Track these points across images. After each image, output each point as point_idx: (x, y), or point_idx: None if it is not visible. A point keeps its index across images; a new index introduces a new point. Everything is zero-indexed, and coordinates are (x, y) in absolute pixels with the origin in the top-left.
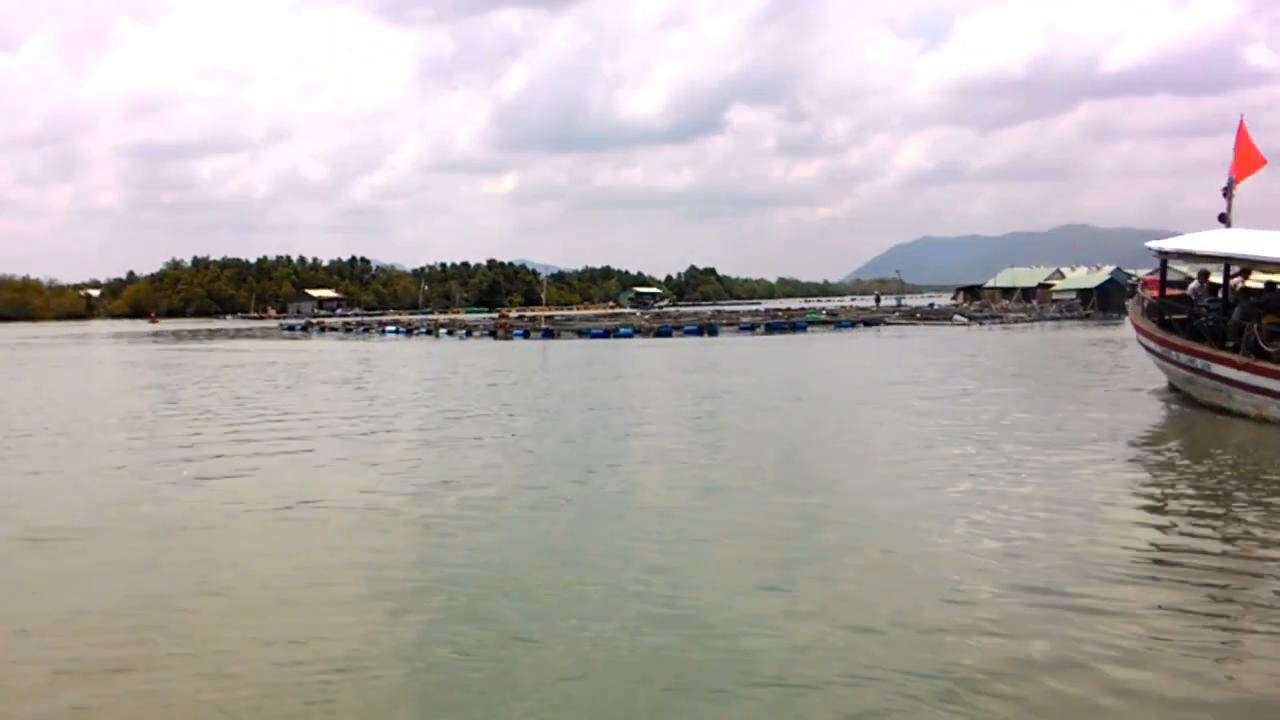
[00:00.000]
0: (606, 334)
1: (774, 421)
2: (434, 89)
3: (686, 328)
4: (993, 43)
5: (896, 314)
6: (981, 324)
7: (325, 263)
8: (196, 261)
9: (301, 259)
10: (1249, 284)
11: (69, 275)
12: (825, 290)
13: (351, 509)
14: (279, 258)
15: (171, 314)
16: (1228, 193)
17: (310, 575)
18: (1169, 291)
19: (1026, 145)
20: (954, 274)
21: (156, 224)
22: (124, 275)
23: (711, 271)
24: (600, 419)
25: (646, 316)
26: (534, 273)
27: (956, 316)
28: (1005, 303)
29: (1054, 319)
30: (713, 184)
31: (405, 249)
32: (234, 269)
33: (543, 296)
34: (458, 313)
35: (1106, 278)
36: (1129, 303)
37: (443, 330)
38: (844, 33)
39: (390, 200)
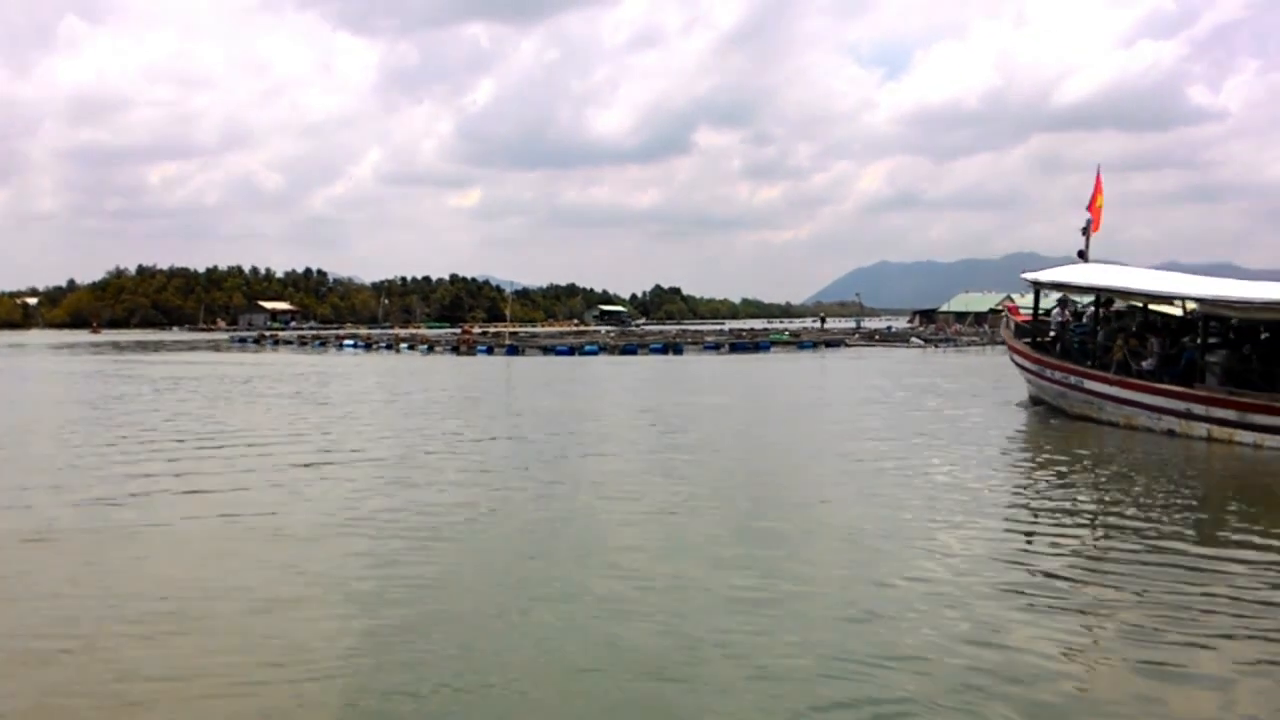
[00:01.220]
0: (572, 351)
1: (742, 436)
2: (398, 100)
3: (652, 346)
4: (950, 76)
5: (856, 336)
6: (936, 346)
7: (279, 274)
8: (142, 270)
9: (254, 270)
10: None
11: (4, 282)
12: (787, 311)
13: (295, 530)
14: (230, 268)
15: (114, 324)
16: (1086, 233)
17: (245, 601)
18: (1030, 318)
19: (980, 175)
20: (910, 298)
21: (100, 231)
22: (64, 283)
23: (676, 291)
24: (565, 436)
25: (612, 334)
26: (498, 289)
27: (913, 339)
28: (959, 326)
29: (1004, 343)
30: (679, 204)
31: (364, 262)
32: (182, 279)
33: (507, 313)
34: (419, 328)
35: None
36: (1001, 326)
37: (404, 345)
38: (809, 60)
39: (349, 212)
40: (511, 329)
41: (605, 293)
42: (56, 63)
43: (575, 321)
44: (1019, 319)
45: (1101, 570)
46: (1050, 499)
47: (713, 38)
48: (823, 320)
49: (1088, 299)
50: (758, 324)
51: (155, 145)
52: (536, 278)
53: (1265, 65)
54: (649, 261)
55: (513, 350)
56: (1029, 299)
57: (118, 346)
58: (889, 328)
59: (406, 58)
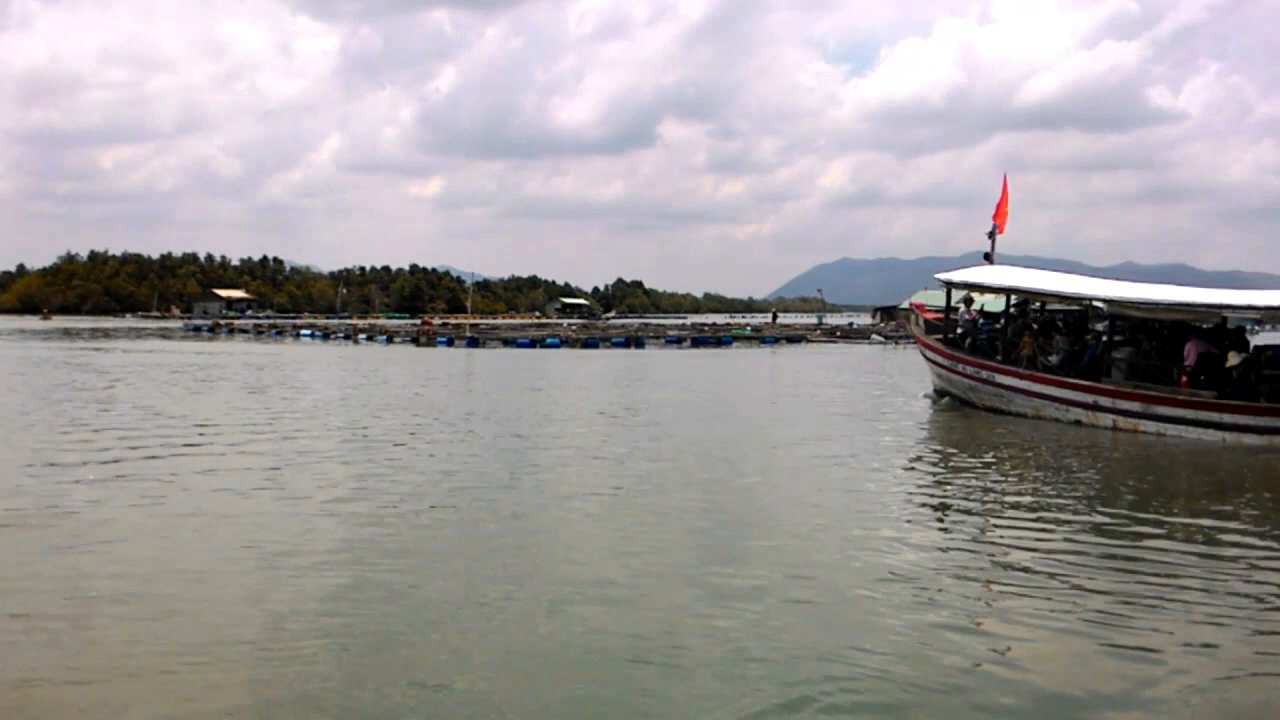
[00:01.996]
0: (533, 344)
1: (703, 434)
2: (359, 86)
3: (614, 340)
4: (915, 73)
5: (818, 332)
6: (896, 343)
7: (235, 261)
8: (94, 256)
9: (209, 257)
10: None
11: None
12: (750, 306)
13: (244, 525)
14: (185, 254)
15: (65, 310)
16: (992, 236)
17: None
18: (940, 315)
19: (943, 173)
20: (872, 295)
21: (51, 215)
22: (13, 268)
23: (639, 284)
24: (526, 430)
25: (574, 327)
26: (458, 280)
27: (874, 335)
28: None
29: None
30: (643, 197)
31: (322, 250)
32: (135, 265)
33: (467, 304)
34: (378, 318)
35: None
36: (910, 323)
37: (362, 335)
38: (776, 55)
39: (308, 199)
40: (472, 321)
41: (567, 285)
42: (7, 41)
43: (537, 314)
44: (927, 316)
45: (1052, 552)
46: (996, 489)
47: (679, 30)
48: (774, 316)
49: (988, 298)
50: (720, 319)
51: (109, 128)
52: (498, 269)
53: (1225, 68)
54: (612, 254)
55: (473, 342)
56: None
57: (68, 333)
58: (850, 324)
59: (369, 43)
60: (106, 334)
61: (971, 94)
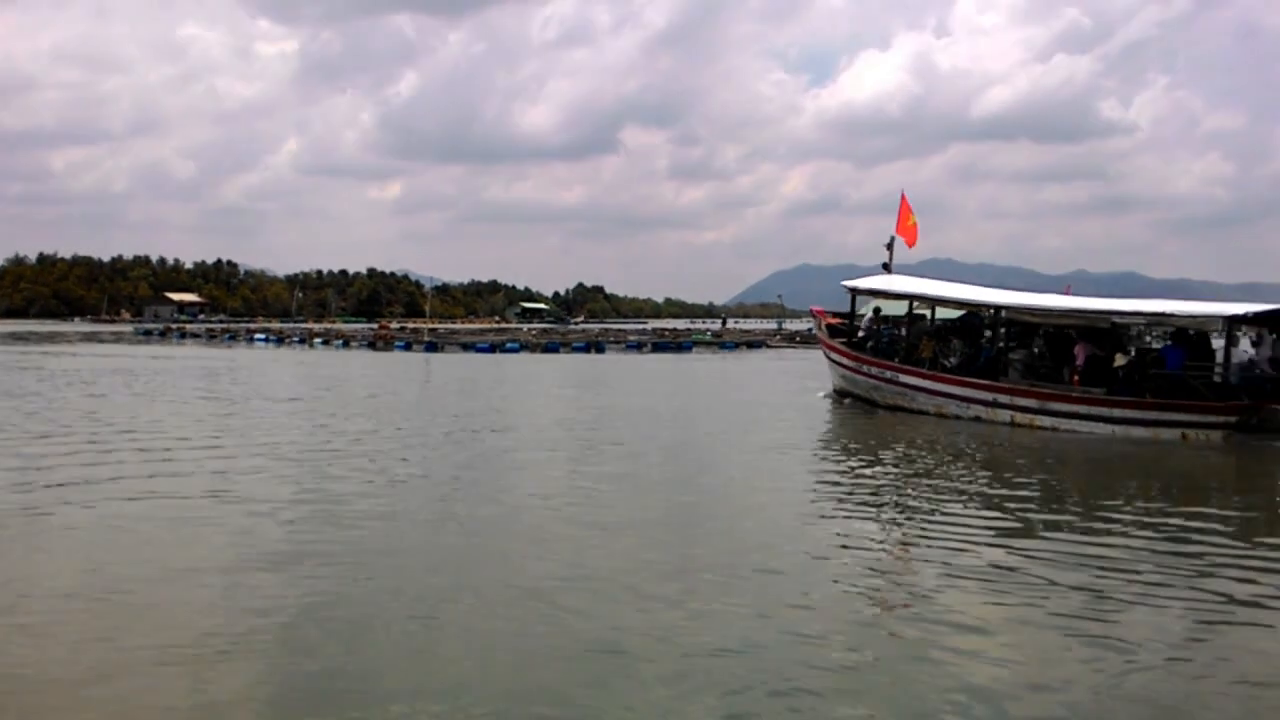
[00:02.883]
0: (492, 349)
1: (662, 436)
2: (319, 89)
3: (574, 345)
4: (874, 83)
5: (777, 337)
6: None
7: (188, 265)
8: (43, 258)
9: (161, 260)
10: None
11: None
12: (710, 312)
13: (194, 532)
14: (136, 257)
15: (12, 314)
16: (890, 248)
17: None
18: (840, 320)
19: (900, 182)
20: (830, 300)
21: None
22: None
23: (600, 289)
24: (484, 434)
25: (534, 332)
26: (417, 284)
27: None
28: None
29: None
30: (604, 203)
31: (278, 254)
32: (85, 268)
33: (426, 308)
34: (334, 322)
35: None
36: (813, 328)
37: (318, 340)
38: (737, 64)
39: (264, 202)
40: (430, 325)
41: (528, 290)
42: None
43: (497, 319)
44: (828, 321)
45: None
46: (926, 478)
47: (642, 37)
48: (724, 321)
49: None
50: (680, 324)
51: (61, 129)
52: (457, 274)
53: (1173, 82)
54: (573, 260)
55: (431, 347)
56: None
57: (15, 337)
58: (810, 329)
59: (329, 46)
60: (55, 338)
61: (928, 105)
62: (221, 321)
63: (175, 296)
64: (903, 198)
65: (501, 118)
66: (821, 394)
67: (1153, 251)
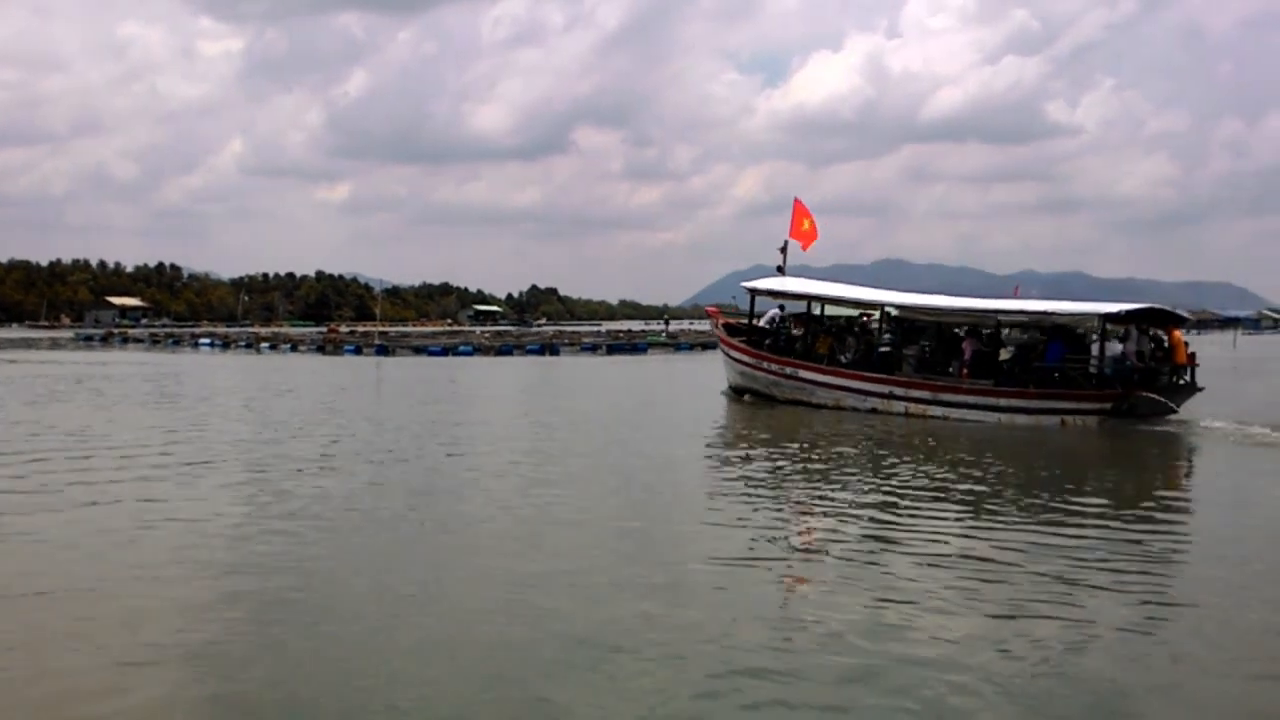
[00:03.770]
0: (445, 351)
1: (616, 441)
2: (264, 89)
3: (528, 346)
4: (826, 85)
5: None
6: None
7: (130, 268)
8: None
9: (102, 263)
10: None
11: None
12: (665, 313)
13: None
14: (75, 261)
15: None
16: (784, 251)
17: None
18: (735, 320)
19: (853, 183)
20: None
21: None
22: None
23: (554, 291)
24: (437, 441)
25: (487, 335)
26: (367, 286)
27: None
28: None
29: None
30: (558, 204)
31: (223, 257)
32: (22, 272)
33: (376, 311)
34: (281, 326)
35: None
36: (712, 327)
37: (265, 344)
38: (689, 64)
39: (208, 204)
40: (381, 328)
41: (480, 292)
42: None
43: (449, 321)
44: (723, 321)
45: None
46: (844, 464)
47: (595, 38)
48: (667, 321)
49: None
50: (635, 325)
51: None
52: (408, 276)
53: (1119, 84)
54: (526, 261)
55: (382, 350)
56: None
57: None
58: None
59: (275, 45)
60: None
61: (880, 106)
62: (165, 326)
63: (117, 301)
64: (796, 203)
65: (452, 118)
66: (720, 391)
67: (1100, 251)
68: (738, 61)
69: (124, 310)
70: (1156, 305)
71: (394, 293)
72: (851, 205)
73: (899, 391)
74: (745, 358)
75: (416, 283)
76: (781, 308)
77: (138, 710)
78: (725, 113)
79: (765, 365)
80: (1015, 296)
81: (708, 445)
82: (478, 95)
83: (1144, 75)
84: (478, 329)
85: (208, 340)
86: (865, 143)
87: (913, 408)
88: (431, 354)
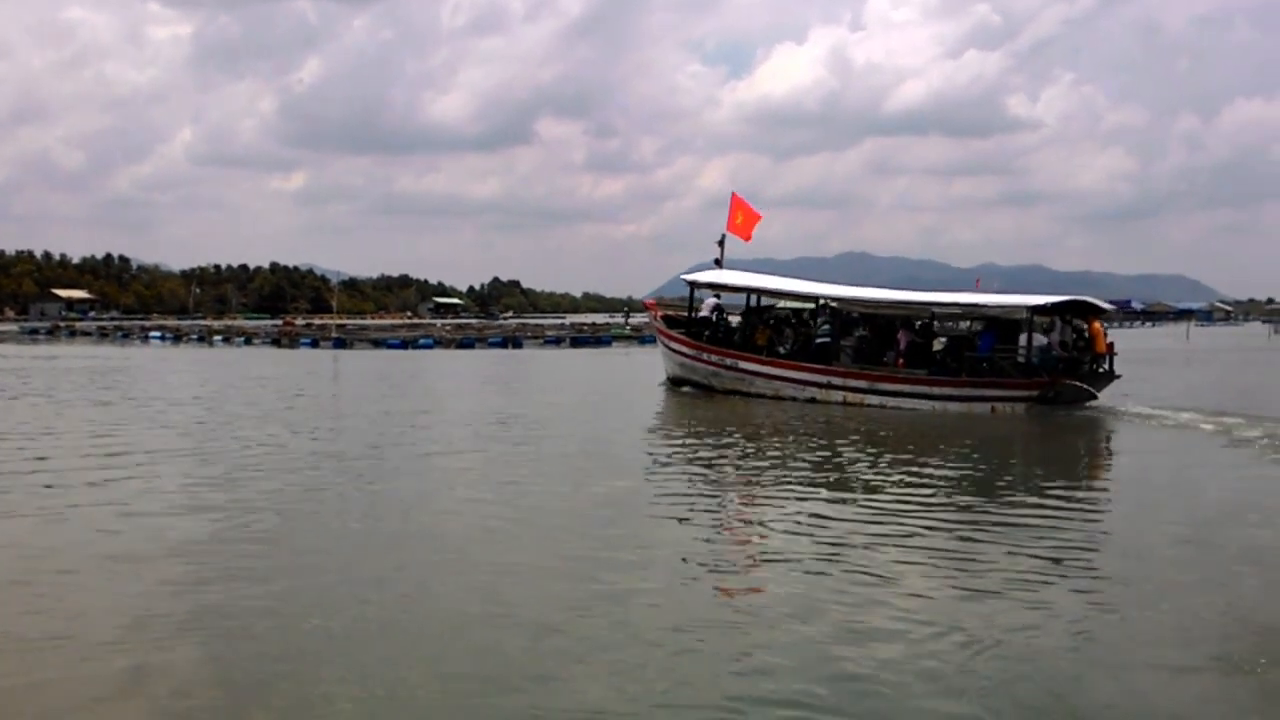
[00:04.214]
0: (405, 345)
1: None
2: (215, 76)
3: (490, 340)
4: (791, 77)
5: None
6: None
7: (76, 260)
8: None
9: (47, 255)
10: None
11: None
12: (629, 306)
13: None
14: (19, 252)
15: None
16: (721, 244)
17: None
18: (674, 313)
19: (818, 175)
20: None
21: None
22: None
23: (516, 284)
24: (396, 438)
25: (448, 328)
26: (323, 278)
27: None
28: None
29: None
30: (520, 195)
31: (173, 248)
32: None
33: (333, 304)
34: (235, 318)
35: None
36: (650, 319)
37: (217, 337)
38: (653, 55)
39: (157, 193)
40: (339, 321)
41: (441, 285)
42: None
43: (409, 314)
44: (661, 314)
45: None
46: (792, 452)
47: (557, 26)
48: (626, 315)
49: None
50: (600, 318)
51: None
52: (366, 268)
53: (1078, 78)
54: (488, 253)
55: (340, 343)
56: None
57: None
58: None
59: (227, 30)
60: None
61: (844, 99)
62: (114, 319)
63: (63, 293)
64: (734, 197)
65: (411, 107)
66: (658, 382)
67: (1058, 245)
68: (702, 52)
69: (70, 303)
70: (1079, 297)
71: (351, 285)
72: (816, 198)
73: (837, 381)
74: (685, 349)
75: (375, 275)
76: (718, 297)
77: None
78: (689, 104)
79: (705, 356)
80: (977, 289)
81: (650, 431)
82: (437, 84)
83: (1102, 70)
84: (438, 322)
85: (158, 333)
86: (829, 135)
87: (850, 397)
88: (391, 347)
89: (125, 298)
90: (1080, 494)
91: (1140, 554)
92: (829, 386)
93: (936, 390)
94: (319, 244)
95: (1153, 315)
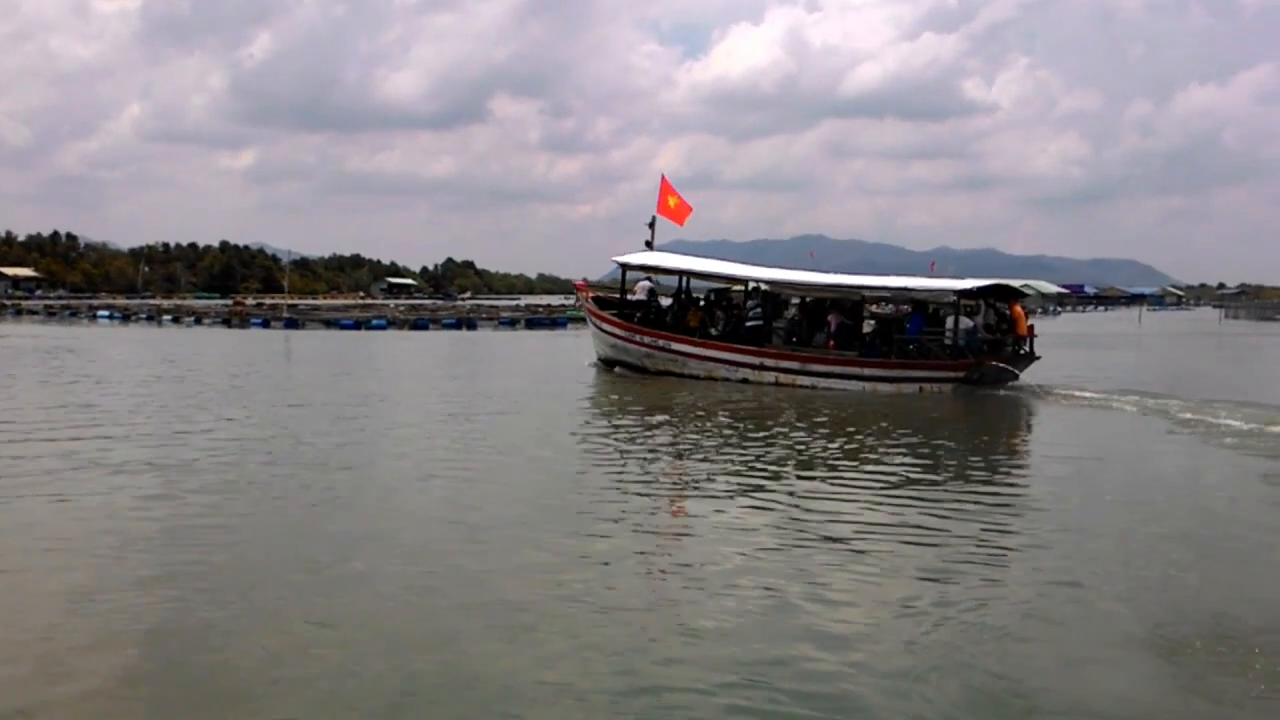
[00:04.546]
0: (357, 325)
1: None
2: (164, 50)
3: (444, 321)
4: (748, 58)
5: None
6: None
7: (21, 238)
8: None
9: None
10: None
11: None
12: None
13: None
14: None
15: None
16: (652, 226)
17: None
18: (606, 294)
19: (774, 157)
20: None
21: None
22: None
23: (470, 264)
24: (349, 420)
25: (402, 309)
26: (274, 258)
27: None
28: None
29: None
30: (474, 175)
31: (121, 226)
32: None
33: (284, 284)
34: (184, 297)
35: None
36: (582, 301)
37: (167, 316)
38: (609, 34)
39: (105, 170)
40: (290, 301)
41: (394, 265)
42: None
43: (361, 294)
44: (592, 295)
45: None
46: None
47: (511, 3)
48: (578, 299)
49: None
50: (555, 299)
51: None
52: (318, 247)
53: (1033, 63)
54: (441, 233)
55: (292, 323)
56: None
57: None
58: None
59: (175, 5)
60: None
61: (801, 81)
62: (61, 298)
63: (9, 271)
64: (663, 180)
65: (364, 84)
66: (588, 363)
67: (1013, 229)
68: (658, 32)
69: (16, 281)
70: (1002, 282)
71: (303, 264)
72: (773, 180)
73: (769, 363)
74: (618, 331)
75: (327, 254)
76: (650, 280)
77: None
78: (645, 84)
79: (638, 338)
80: (932, 273)
81: (599, 413)
82: (390, 61)
83: (1057, 55)
84: (392, 302)
85: (106, 312)
86: (786, 116)
87: (782, 377)
88: (344, 327)
89: (73, 276)
90: (1014, 472)
91: (1075, 528)
92: (761, 368)
93: (867, 371)
94: (270, 222)
95: (1105, 300)
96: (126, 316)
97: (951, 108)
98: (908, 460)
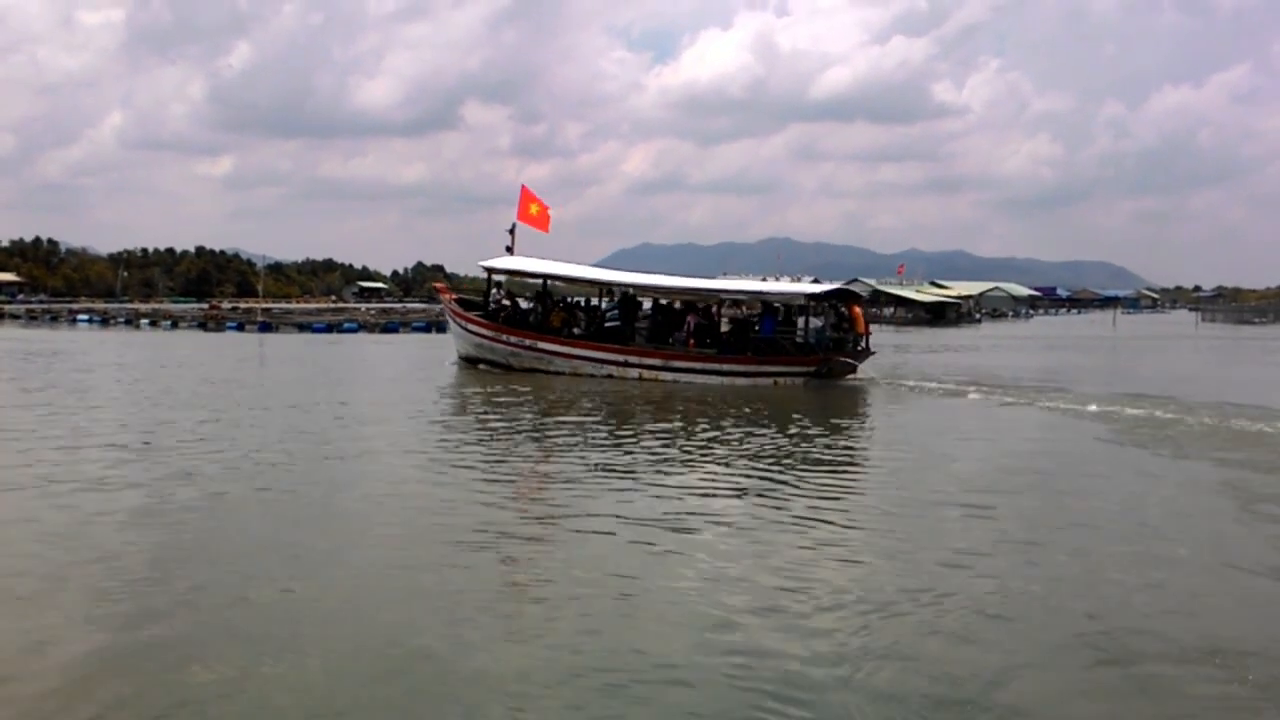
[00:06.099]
0: (330, 328)
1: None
2: (146, 60)
3: (414, 324)
4: (716, 63)
5: None
6: None
7: (4, 243)
8: None
9: None
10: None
11: None
12: None
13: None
14: None
15: None
16: (512, 232)
17: None
18: (469, 296)
19: (742, 161)
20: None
21: None
22: None
23: (440, 268)
24: (323, 423)
25: (373, 312)
26: (249, 263)
27: None
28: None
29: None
30: (445, 180)
31: (101, 231)
32: None
33: (259, 288)
34: (161, 301)
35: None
36: (445, 304)
37: (144, 320)
38: (578, 40)
39: (86, 177)
40: (264, 305)
41: (365, 269)
42: None
43: (333, 298)
44: (454, 298)
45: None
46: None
47: (484, 12)
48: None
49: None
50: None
51: None
52: (291, 252)
53: (1004, 65)
54: (412, 237)
55: (266, 327)
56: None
57: None
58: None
59: (158, 16)
60: None
61: (769, 84)
62: (42, 302)
63: None
64: (523, 189)
65: (339, 92)
66: (449, 362)
67: (982, 231)
68: (628, 38)
69: None
70: (844, 286)
71: (277, 269)
72: (741, 184)
73: (633, 360)
74: (484, 331)
75: (300, 259)
76: (499, 285)
77: None
78: (615, 89)
79: (504, 338)
80: (900, 275)
81: (463, 406)
82: (364, 69)
83: (1029, 57)
84: (363, 306)
85: (86, 316)
86: (754, 120)
87: (646, 374)
88: (316, 331)
89: (54, 280)
90: (872, 455)
91: (931, 512)
92: (625, 365)
93: (725, 367)
94: (245, 228)
95: (1079, 302)
96: (105, 320)
97: (921, 111)
98: (768, 448)
